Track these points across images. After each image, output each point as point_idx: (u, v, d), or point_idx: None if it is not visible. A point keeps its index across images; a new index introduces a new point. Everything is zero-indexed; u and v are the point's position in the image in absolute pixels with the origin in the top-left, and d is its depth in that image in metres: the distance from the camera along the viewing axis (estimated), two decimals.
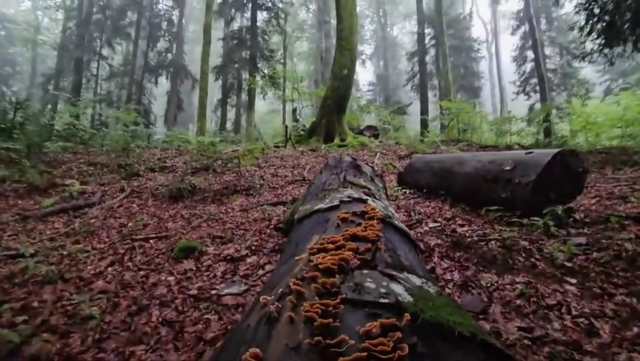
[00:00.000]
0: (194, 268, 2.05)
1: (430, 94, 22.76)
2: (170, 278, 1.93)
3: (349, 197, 1.26)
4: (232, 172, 5.94)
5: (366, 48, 35.71)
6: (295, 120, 17.63)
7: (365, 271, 0.67)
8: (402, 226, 1.12)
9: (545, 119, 11.27)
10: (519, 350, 1.19)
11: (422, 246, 2.26)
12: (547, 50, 20.96)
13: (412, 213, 2.95)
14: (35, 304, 1.63)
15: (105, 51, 23.32)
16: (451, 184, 3.40)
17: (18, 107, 7.56)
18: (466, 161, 3.24)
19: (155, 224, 3.59)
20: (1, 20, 29.98)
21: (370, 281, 0.63)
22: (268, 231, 2.75)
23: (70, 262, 2.27)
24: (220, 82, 21.77)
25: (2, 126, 7.18)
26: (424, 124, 13.92)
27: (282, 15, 20.18)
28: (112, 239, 3.00)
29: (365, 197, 1.30)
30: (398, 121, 12.80)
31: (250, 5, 18.99)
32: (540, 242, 2.08)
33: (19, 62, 31.96)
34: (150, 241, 2.68)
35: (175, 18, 25.88)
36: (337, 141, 8.97)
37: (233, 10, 19.37)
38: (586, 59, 8.39)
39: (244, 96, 21.08)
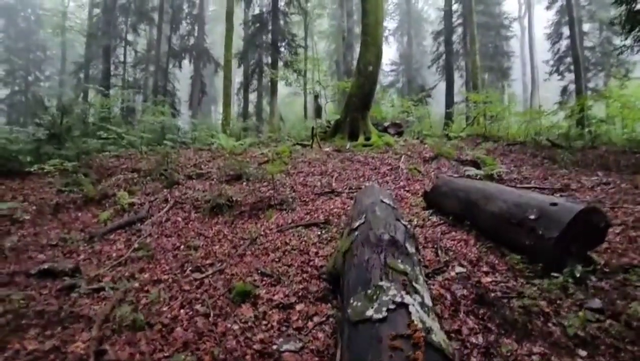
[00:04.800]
0: (253, 316, 2.43)
1: (456, 75, 22.01)
2: (235, 327, 2.32)
3: (393, 302, 1.56)
4: (264, 181, 6.28)
5: (389, 23, 34.34)
6: (318, 107, 17.68)
7: None
8: (441, 343, 1.40)
9: (580, 111, 10.87)
10: None
11: (449, 297, 2.55)
12: (586, 27, 19.62)
13: (439, 251, 3.21)
14: (138, 356, 2.06)
15: (130, 36, 23.68)
16: (476, 217, 3.61)
17: (64, 113, 8.12)
18: (492, 199, 3.41)
19: (204, 247, 4.02)
20: (31, 6, 30.74)
21: None
22: (309, 269, 3.10)
23: (147, 302, 2.70)
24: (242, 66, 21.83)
25: (53, 132, 7.78)
26: (449, 116, 13.72)
27: None
28: (172, 268, 3.45)
29: (407, 299, 1.59)
30: (422, 112, 12.68)
31: None
32: (558, 302, 2.32)
33: (49, 47, 32.88)
34: (209, 277, 3.09)
35: None
36: (361, 139, 9.12)
37: None
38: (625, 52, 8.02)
39: (266, 79, 21.15)
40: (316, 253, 3.44)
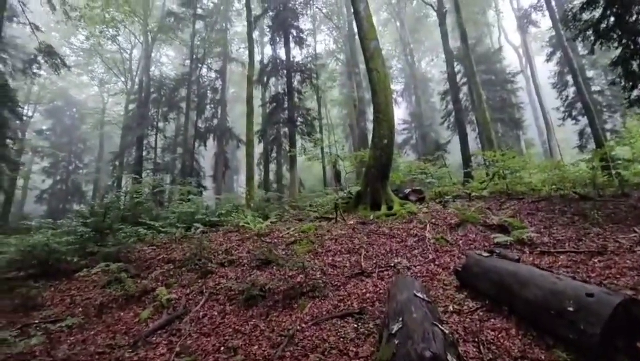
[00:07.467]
0: None
1: (469, 128, 22.53)
2: None
3: None
4: (293, 265, 6.40)
5: (396, 85, 36.48)
6: (337, 173, 18.29)
7: None
8: None
9: (601, 160, 10.77)
10: None
11: None
12: (590, 73, 20.19)
13: (481, 347, 3.16)
14: None
15: (160, 124, 26.14)
16: (513, 303, 3.57)
17: (107, 209, 8.84)
18: (526, 284, 3.41)
19: (243, 348, 4.08)
20: (75, 105, 34.92)
21: None
22: None
23: None
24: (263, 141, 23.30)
25: (96, 228, 8.41)
26: (468, 175, 13.85)
27: (315, 75, 21.67)
28: None
29: None
30: (441, 172, 12.91)
31: (285, 71, 20.69)
32: None
33: (88, 139, 36.52)
34: None
35: (218, 86, 28.53)
36: (384, 209, 9.29)
37: (273, 79, 21.13)
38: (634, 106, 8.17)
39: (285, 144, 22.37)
40: (356, 354, 3.44)
